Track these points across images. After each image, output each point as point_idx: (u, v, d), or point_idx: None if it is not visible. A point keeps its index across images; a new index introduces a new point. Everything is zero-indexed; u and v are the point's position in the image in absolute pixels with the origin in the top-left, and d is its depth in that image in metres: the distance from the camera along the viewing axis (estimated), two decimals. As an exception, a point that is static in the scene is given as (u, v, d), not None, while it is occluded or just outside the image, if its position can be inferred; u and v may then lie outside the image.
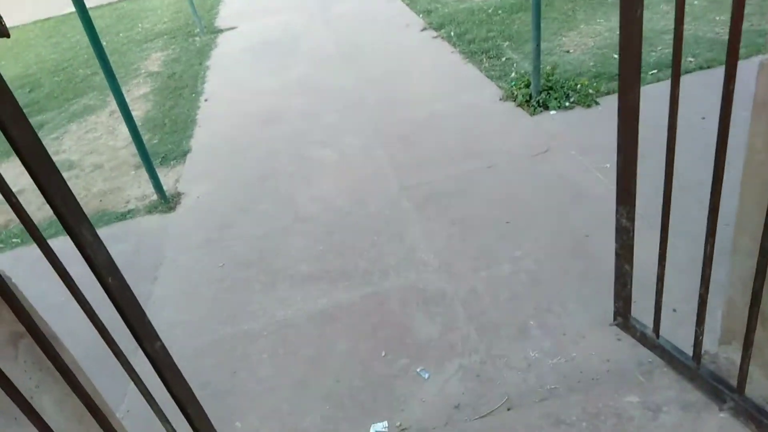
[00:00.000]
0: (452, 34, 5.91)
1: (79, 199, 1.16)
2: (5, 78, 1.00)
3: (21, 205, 1.04)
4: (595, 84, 4.28)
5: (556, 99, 4.13)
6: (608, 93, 4.18)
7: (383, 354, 2.44)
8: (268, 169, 4.19)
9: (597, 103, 4.11)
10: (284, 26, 7.45)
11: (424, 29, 6.29)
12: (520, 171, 3.51)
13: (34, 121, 6.11)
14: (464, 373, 2.27)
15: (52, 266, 1.13)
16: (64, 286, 1.16)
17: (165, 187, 4.09)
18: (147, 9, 10.08)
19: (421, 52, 5.72)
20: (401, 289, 2.77)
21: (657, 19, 5.20)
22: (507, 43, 5.51)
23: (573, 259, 2.74)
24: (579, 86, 4.22)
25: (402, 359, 2.40)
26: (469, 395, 2.17)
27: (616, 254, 2.05)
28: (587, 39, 5.26)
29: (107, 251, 1.21)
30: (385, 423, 2.15)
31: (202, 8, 8.99)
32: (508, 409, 2.08)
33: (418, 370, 2.34)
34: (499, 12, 6.29)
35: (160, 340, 1.38)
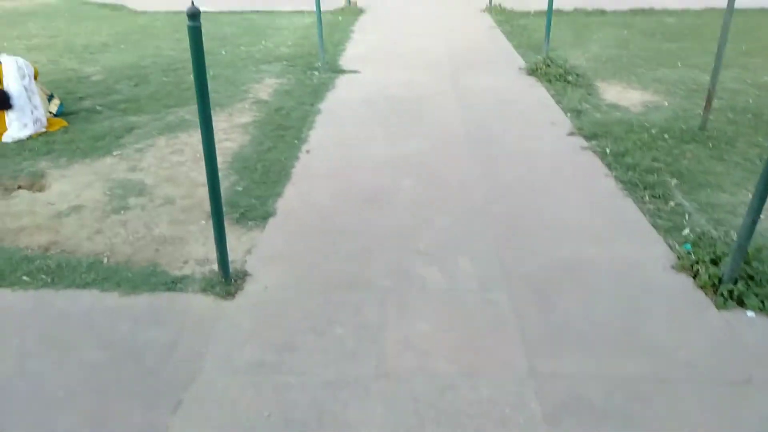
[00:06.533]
0: (607, 151, 4.93)
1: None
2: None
3: None
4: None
5: (757, 296, 3.03)
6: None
7: None
8: (358, 274, 3.33)
9: (814, 318, 2.98)
10: (410, 85, 6.75)
11: (571, 134, 5.35)
12: (711, 405, 2.43)
13: (127, 121, 5.65)
14: None
15: None
16: None
17: (231, 258, 3.33)
18: (275, 26, 9.80)
19: (568, 165, 4.75)
20: None
21: None
22: (675, 181, 4.46)
23: None
24: (790, 286, 3.11)
25: None
26: None
27: None
28: (784, 206, 4.13)
29: None
30: None
31: (329, 41, 8.53)
32: None
33: None
34: (665, 136, 5.26)
35: None
